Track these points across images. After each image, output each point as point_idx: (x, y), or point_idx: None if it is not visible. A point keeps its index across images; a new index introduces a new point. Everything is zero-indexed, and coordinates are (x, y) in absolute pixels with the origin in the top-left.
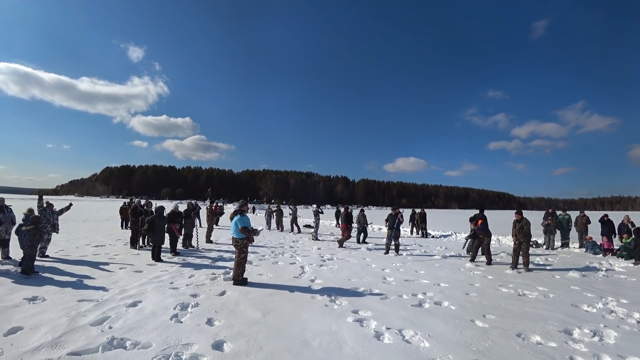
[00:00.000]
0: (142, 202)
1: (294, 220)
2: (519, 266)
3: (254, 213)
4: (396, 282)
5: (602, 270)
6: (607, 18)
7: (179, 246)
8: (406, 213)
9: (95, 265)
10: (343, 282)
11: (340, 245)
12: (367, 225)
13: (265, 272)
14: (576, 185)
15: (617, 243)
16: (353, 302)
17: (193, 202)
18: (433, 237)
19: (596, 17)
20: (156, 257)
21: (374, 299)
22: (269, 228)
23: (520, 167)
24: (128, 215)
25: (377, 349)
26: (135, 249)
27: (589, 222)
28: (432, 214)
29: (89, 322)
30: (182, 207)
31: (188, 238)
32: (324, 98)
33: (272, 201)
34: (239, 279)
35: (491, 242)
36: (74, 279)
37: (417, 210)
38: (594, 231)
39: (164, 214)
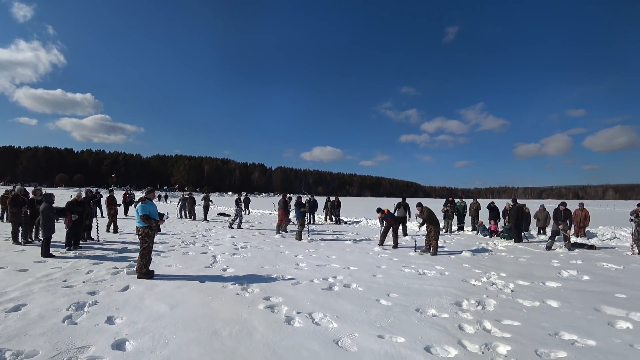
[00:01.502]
0: (30, 189)
1: (207, 209)
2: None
3: (166, 201)
4: (308, 268)
5: (488, 250)
6: (504, 32)
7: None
8: (322, 201)
9: None
10: (256, 269)
11: (277, 232)
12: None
13: (174, 263)
14: (473, 176)
15: (502, 226)
16: (265, 289)
17: (93, 189)
18: (346, 223)
19: (497, 30)
20: (45, 253)
21: (286, 284)
22: (182, 217)
23: (427, 158)
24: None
25: (287, 333)
26: (20, 244)
27: (480, 208)
28: (346, 202)
29: None
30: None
31: (87, 230)
32: (241, 84)
33: (185, 188)
34: (143, 272)
35: (399, 227)
36: None
37: (332, 198)
38: (484, 216)
39: (53, 203)
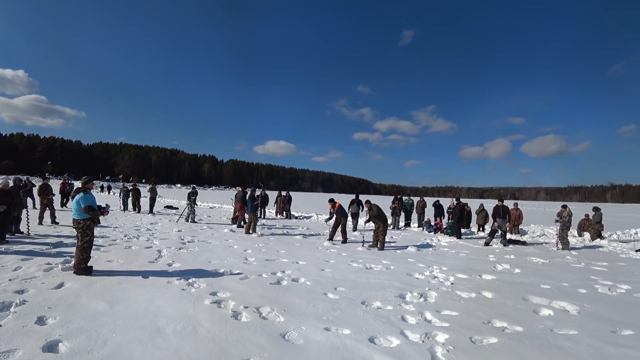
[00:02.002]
0: None
1: (153, 201)
2: (378, 245)
3: (109, 192)
4: (257, 262)
5: (432, 245)
6: (457, 39)
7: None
8: (273, 195)
9: None
10: (203, 264)
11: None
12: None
13: (115, 258)
14: (421, 176)
15: (446, 223)
16: (212, 284)
17: (23, 178)
18: (296, 218)
19: (452, 38)
20: None
21: (234, 279)
22: (125, 209)
23: (379, 157)
24: None
25: (233, 328)
26: None
27: (426, 206)
28: (297, 197)
29: None
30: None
31: (15, 222)
32: (192, 73)
33: (130, 179)
34: (82, 267)
35: (347, 222)
36: None
37: (283, 193)
38: (430, 213)
39: None
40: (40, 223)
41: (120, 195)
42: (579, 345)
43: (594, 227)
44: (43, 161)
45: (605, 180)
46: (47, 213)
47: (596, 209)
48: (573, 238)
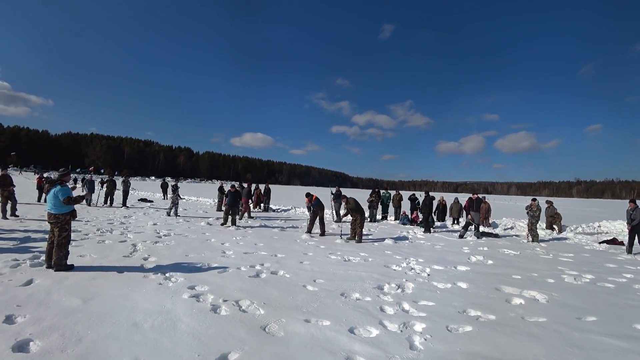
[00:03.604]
0: None
1: (126, 194)
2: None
3: (76, 185)
4: (235, 256)
5: (409, 238)
6: (436, 36)
7: None
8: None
9: None
10: (180, 258)
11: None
12: None
13: (88, 253)
14: (397, 169)
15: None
16: (190, 278)
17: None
18: (274, 211)
19: (430, 34)
20: None
21: (212, 273)
22: (88, 204)
23: (356, 150)
24: None
25: (213, 321)
26: None
27: (402, 199)
28: (274, 190)
29: None
30: None
31: None
32: (170, 61)
33: (102, 171)
34: (62, 264)
35: (325, 215)
36: None
37: (261, 186)
38: (406, 207)
39: None
40: (5, 217)
41: (83, 188)
42: (548, 331)
43: (547, 219)
44: (6, 152)
45: (572, 176)
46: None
47: (549, 203)
48: (542, 231)
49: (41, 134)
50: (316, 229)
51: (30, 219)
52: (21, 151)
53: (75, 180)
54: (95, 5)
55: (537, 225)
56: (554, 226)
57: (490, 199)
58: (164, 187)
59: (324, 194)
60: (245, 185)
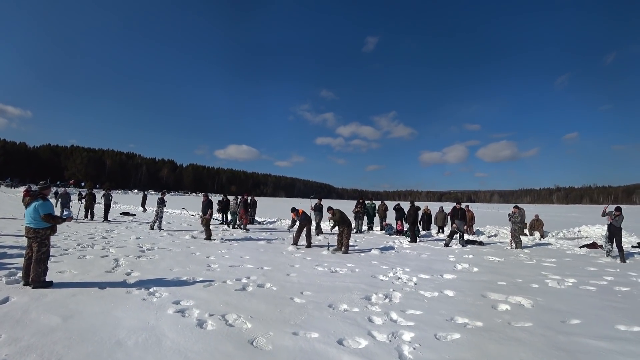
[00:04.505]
0: None
1: (107, 207)
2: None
3: (56, 200)
4: (221, 269)
5: (394, 248)
6: (417, 46)
7: None
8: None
9: None
10: (164, 272)
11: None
12: None
13: (68, 269)
14: (382, 180)
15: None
16: (174, 293)
17: None
18: (260, 223)
19: (412, 46)
20: None
21: (197, 287)
22: (70, 215)
23: (341, 161)
24: None
25: (199, 337)
26: None
27: (387, 210)
28: (260, 202)
29: None
30: None
31: None
32: (151, 72)
33: (82, 184)
34: (40, 281)
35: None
36: None
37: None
38: (391, 217)
39: None
40: None
41: (57, 202)
42: (534, 335)
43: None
44: None
45: (551, 183)
46: None
47: (517, 208)
48: (525, 237)
49: (19, 146)
50: (302, 241)
51: (6, 234)
52: None
53: (56, 194)
54: (75, 12)
55: (521, 231)
56: (536, 232)
57: (474, 207)
58: (144, 199)
59: (308, 205)
60: (230, 198)
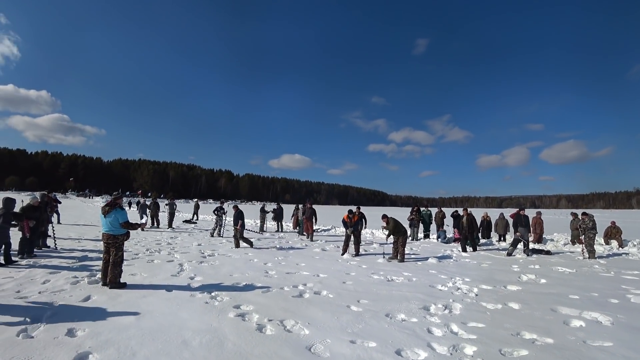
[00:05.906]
0: None
1: (172, 216)
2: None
3: (129, 208)
4: (278, 275)
5: (453, 256)
6: (470, 45)
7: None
8: (289, 208)
9: None
10: (224, 278)
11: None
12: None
13: (138, 272)
14: (437, 186)
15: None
16: (235, 298)
17: (52, 194)
18: (315, 231)
19: (464, 44)
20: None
21: (256, 292)
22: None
23: (394, 168)
24: None
25: (259, 341)
26: None
27: (445, 217)
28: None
29: None
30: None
31: (42, 237)
32: (206, 89)
33: (149, 194)
34: (117, 282)
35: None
36: None
37: (301, 206)
38: (449, 224)
39: (12, 209)
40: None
41: (138, 210)
42: (615, 357)
43: (572, 232)
44: (66, 178)
45: (630, 185)
46: (62, 228)
47: (574, 215)
48: (600, 246)
49: (95, 161)
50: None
51: (87, 238)
52: (78, 177)
53: (130, 204)
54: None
55: (594, 240)
56: (613, 241)
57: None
58: (196, 208)
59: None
60: (282, 206)
